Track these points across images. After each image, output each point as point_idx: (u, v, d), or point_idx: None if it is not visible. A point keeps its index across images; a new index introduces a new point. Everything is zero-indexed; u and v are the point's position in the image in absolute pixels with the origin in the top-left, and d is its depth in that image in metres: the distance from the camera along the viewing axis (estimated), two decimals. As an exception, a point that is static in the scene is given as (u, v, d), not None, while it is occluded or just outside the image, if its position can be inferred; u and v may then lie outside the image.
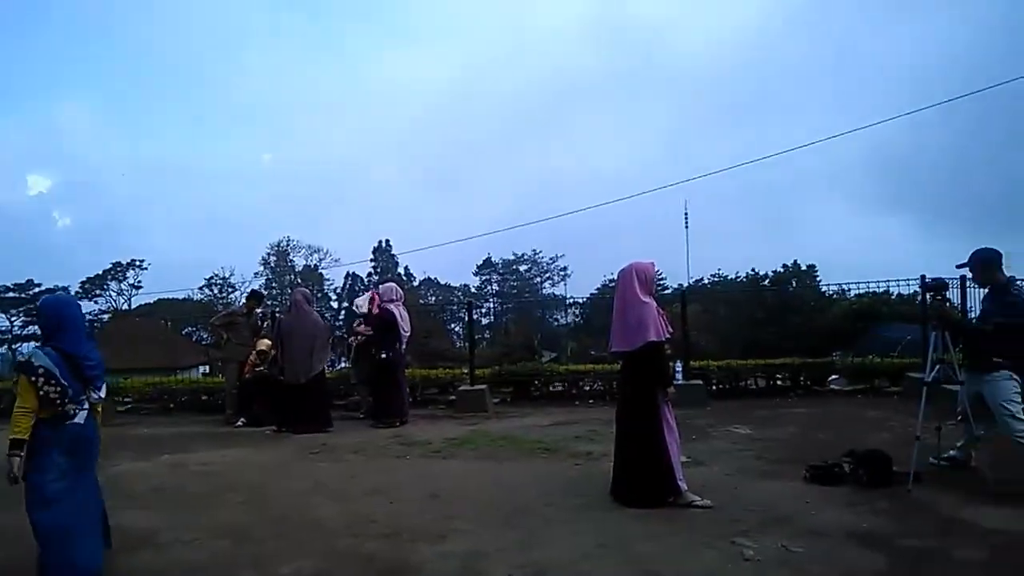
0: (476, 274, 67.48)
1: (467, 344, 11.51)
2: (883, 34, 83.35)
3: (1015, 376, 5.29)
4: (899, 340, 13.77)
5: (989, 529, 4.61)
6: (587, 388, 11.09)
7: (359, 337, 9.98)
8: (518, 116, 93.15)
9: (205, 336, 39.82)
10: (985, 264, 5.51)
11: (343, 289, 60.51)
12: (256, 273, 61.58)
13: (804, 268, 37.11)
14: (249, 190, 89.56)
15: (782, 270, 37.17)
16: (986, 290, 5.71)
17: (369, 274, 60.51)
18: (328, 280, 62.88)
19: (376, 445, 7.86)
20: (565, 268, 66.40)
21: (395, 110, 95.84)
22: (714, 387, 10.63)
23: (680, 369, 9.73)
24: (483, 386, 10.29)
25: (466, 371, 10.81)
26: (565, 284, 65.11)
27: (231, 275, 59.63)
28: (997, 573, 4.01)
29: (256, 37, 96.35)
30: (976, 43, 72.72)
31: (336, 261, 62.70)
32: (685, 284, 44.18)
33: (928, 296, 5.66)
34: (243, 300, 12.20)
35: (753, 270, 38.96)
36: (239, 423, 9.76)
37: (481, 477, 6.36)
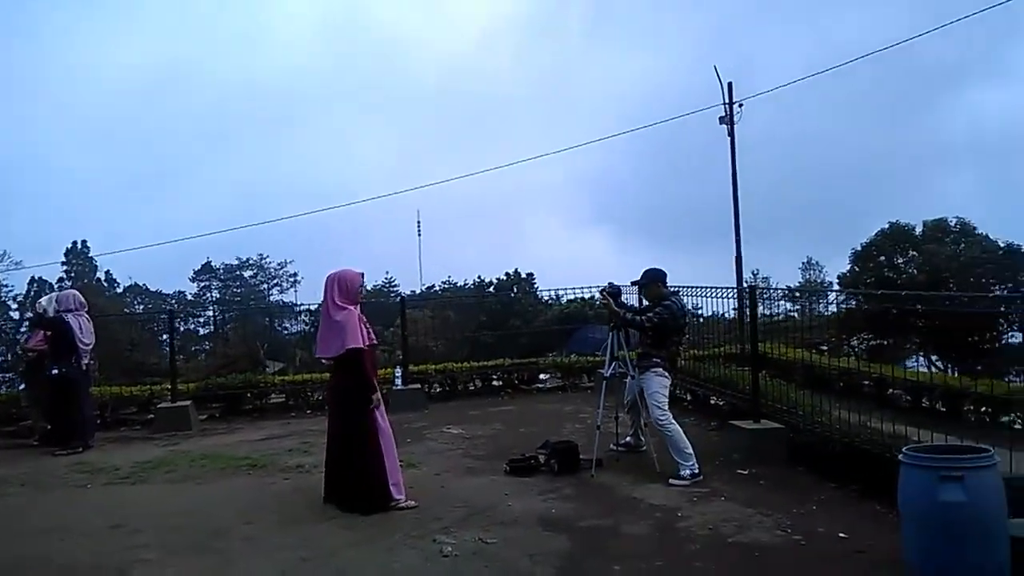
0: (193, 280, 62.21)
1: (180, 356, 10.52)
2: (597, 62, 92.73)
3: (667, 373, 6.17)
4: (602, 340, 15.30)
5: (653, 505, 5.29)
6: (308, 398, 10.73)
7: (32, 352, 8.63)
8: (242, 111, 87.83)
9: None
10: (652, 281, 6.38)
11: (26, 296, 51.94)
12: (-93, 278, 50.44)
13: (524, 276, 39.90)
14: None
15: (505, 277, 39.60)
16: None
17: (60, 279, 52.62)
18: (7, 286, 53.49)
19: (52, 475, 6.85)
20: (295, 274, 63.75)
21: (95, 95, 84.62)
22: (436, 390, 10.93)
23: (400, 375, 9.84)
24: (187, 402, 9.46)
25: (170, 386, 9.84)
26: (295, 290, 62.54)
27: None
28: (654, 542, 4.59)
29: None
30: (668, 77, 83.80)
31: (17, 264, 53.46)
32: (419, 290, 45.29)
33: (607, 297, 6.40)
34: None
35: (480, 277, 41.06)
36: None
37: (174, 501, 5.83)
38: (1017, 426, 7.32)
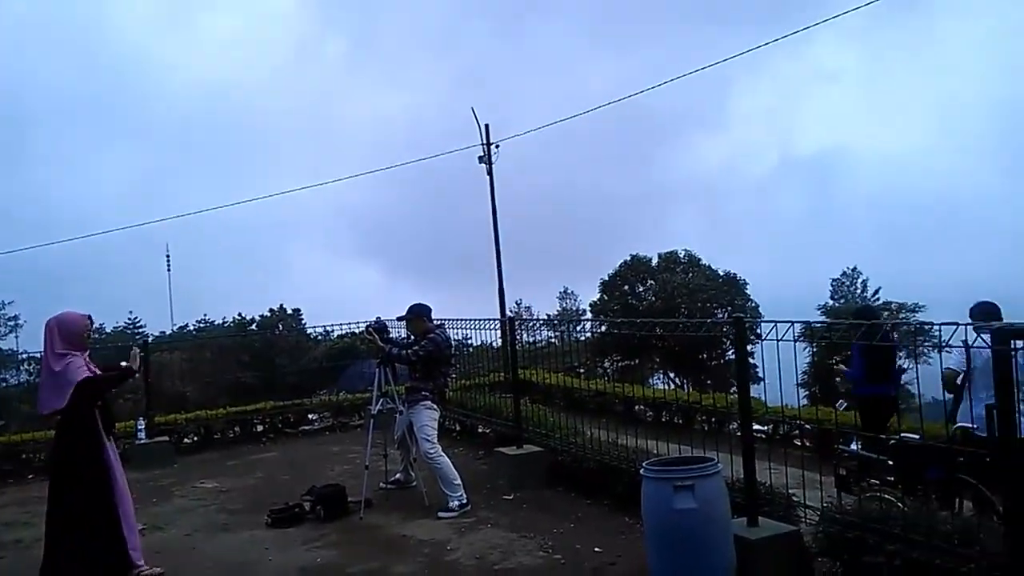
0: None
1: None
2: (361, 94, 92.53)
3: (436, 406, 6.23)
4: (373, 375, 15.05)
5: (423, 541, 5.27)
6: (30, 460, 9.21)
7: None
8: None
9: None
10: (416, 315, 6.42)
11: None
12: None
13: (290, 312, 38.16)
14: None
15: (269, 314, 37.58)
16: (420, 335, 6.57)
17: None
18: None
19: None
20: (16, 317, 54.95)
21: None
22: (192, 440, 9.99)
23: (143, 426, 8.86)
24: None
25: None
26: (16, 336, 53.82)
27: None
28: (423, 578, 4.57)
29: None
30: (432, 112, 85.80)
31: None
32: (169, 331, 41.33)
33: (372, 333, 6.34)
34: None
35: (240, 315, 38.49)
36: None
37: None
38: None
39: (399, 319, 6.67)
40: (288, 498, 6.21)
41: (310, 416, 11.33)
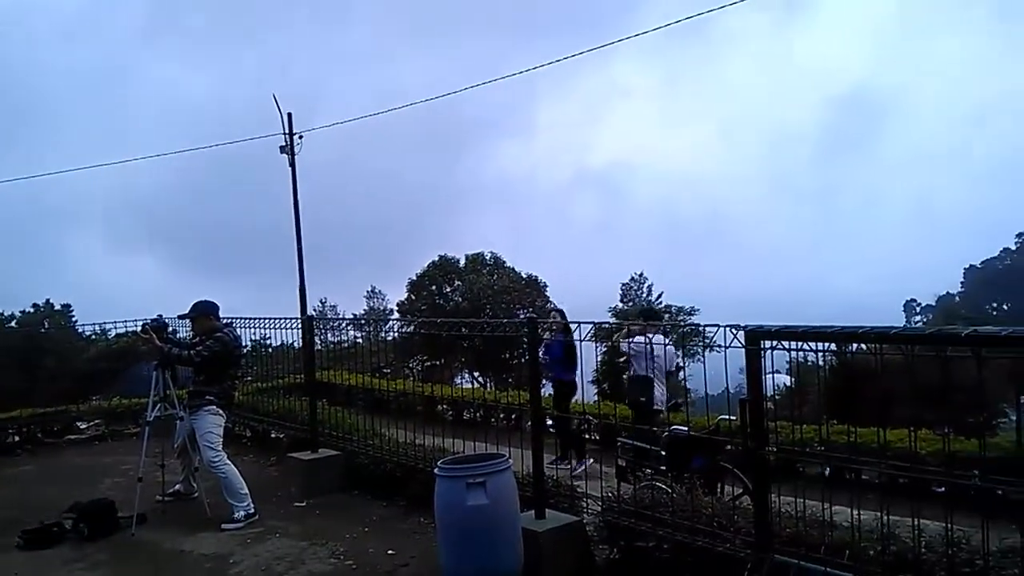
0: None
1: None
2: (153, 74, 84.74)
3: (222, 412, 5.84)
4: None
5: (204, 555, 4.94)
6: None
7: None
8: None
9: None
10: (201, 313, 6.01)
11: None
12: None
13: (59, 308, 34.14)
14: None
15: (32, 310, 33.35)
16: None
17: None
18: None
19: None
20: None
21: None
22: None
23: None
24: None
25: None
26: None
27: None
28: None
29: None
30: (232, 96, 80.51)
31: None
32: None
33: (148, 332, 5.81)
34: None
35: None
36: None
37: None
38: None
39: (181, 317, 6.21)
40: (46, 516, 5.51)
41: (79, 424, 10.21)
